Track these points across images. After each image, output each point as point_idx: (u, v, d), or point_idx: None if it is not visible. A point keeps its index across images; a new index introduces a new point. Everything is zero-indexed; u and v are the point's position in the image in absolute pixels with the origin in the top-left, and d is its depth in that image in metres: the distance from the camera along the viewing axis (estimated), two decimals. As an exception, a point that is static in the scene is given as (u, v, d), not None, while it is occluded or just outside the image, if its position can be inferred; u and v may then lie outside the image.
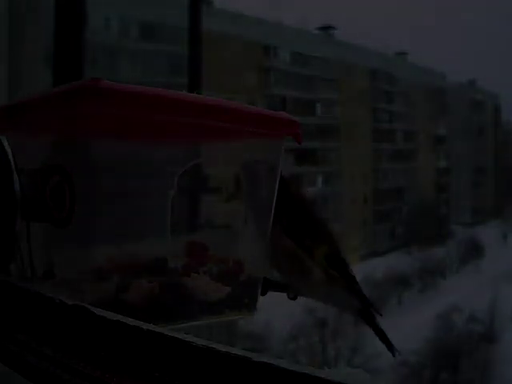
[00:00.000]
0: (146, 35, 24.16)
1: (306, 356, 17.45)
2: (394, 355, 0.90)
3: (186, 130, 0.72)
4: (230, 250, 0.78)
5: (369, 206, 37.87)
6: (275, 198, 0.78)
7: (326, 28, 37.68)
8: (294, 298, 0.93)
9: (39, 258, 0.76)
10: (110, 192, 0.67)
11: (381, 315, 0.91)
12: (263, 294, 0.81)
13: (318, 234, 0.90)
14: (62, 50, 2.29)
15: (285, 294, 0.92)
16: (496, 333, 21.33)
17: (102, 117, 0.64)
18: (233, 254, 0.78)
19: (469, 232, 37.12)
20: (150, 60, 24.03)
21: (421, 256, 30.58)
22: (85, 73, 2.38)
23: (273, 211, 0.78)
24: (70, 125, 0.69)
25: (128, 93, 0.63)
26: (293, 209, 0.87)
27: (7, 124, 0.78)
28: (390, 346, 0.89)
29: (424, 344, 18.55)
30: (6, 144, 0.78)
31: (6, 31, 2.21)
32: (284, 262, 0.89)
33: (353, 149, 35.76)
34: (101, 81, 0.61)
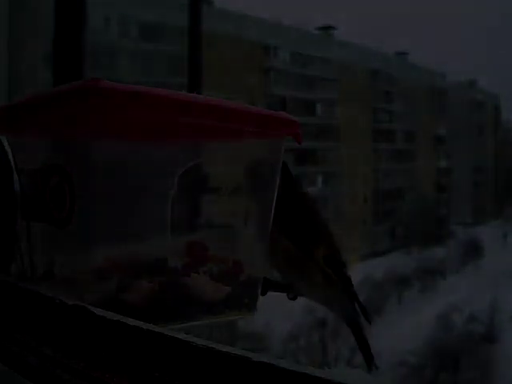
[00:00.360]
0: (146, 35, 24.17)
1: (305, 356, 17.45)
2: (370, 370, 0.88)
3: (186, 130, 0.72)
4: (230, 249, 0.78)
5: (369, 206, 37.87)
6: (275, 199, 0.78)
7: (326, 28, 37.68)
8: (294, 298, 0.94)
9: (39, 258, 0.76)
10: (110, 192, 0.67)
11: (370, 323, 0.90)
12: (263, 294, 0.81)
13: (316, 235, 0.91)
14: (62, 50, 2.29)
15: (285, 294, 0.93)
16: (496, 333, 21.33)
17: (101, 117, 0.64)
18: (233, 254, 0.78)
19: (469, 232, 37.13)
20: (150, 60, 24.03)
21: (421, 256, 30.59)
22: (85, 73, 2.38)
23: (273, 211, 0.78)
24: (69, 125, 0.69)
25: (128, 93, 0.63)
26: (292, 210, 0.87)
27: (7, 124, 0.78)
28: (369, 359, 0.88)
29: (424, 344, 18.56)
30: (6, 144, 0.78)
31: (6, 31, 2.21)
32: (283, 263, 0.89)
33: (353, 149, 35.77)
34: (101, 81, 0.61)
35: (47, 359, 0.60)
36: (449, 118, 44.59)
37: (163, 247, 0.74)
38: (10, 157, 0.77)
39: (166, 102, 0.65)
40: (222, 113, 0.69)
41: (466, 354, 18.80)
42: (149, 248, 0.72)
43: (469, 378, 18.53)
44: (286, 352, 16.80)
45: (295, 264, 0.88)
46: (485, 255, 33.23)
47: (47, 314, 0.62)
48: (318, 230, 0.93)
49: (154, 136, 0.73)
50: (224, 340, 0.51)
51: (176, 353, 0.48)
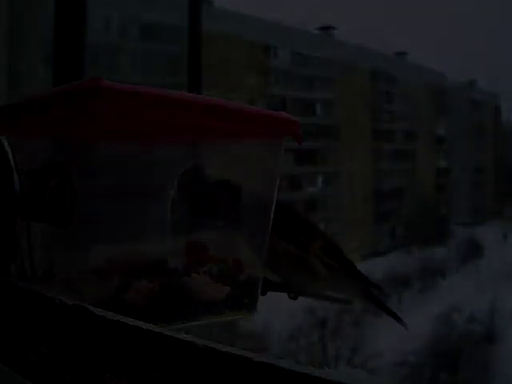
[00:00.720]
0: (146, 35, 24.16)
1: (306, 356, 17.44)
2: (406, 328, 0.97)
3: (186, 130, 0.72)
4: (230, 249, 0.78)
5: (369, 205, 37.86)
6: (275, 199, 0.78)
7: (326, 28, 37.70)
8: (295, 298, 0.94)
9: (39, 258, 0.76)
10: (110, 192, 0.67)
11: (384, 292, 0.97)
12: (263, 294, 0.81)
13: (310, 232, 0.95)
14: (62, 49, 2.29)
15: (285, 294, 0.93)
16: (496, 333, 21.33)
17: (102, 117, 0.64)
18: (233, 254, 0.78)
19: (469, 232, 37.14)
20: (150, 60, 24.02)
21: (421, 256, 30.59)
22: (85, 73, 2.38)
23: (273, 212, 0.78)
24: (69, 125, 0.69)
25: (128, 93, 0.63)
26: (282, 215, 0.88)
27: (7, 124, 0.78)
28: (399, 320, 0.95)
29: (424, 344, 18.56)
30: (5, 144, 0.78)
31: (6, 31, 2.21)
32: (285, 265, 0.91)
33: (353, 149, 35.76)
34: (101, 81, 0.61)
35: (47, 359, 0.60)
36: (449, 118, 44.60)
37: (163, 247, 0.74)
38: (10, 157, 0.77)
39: (166, 101, 0.65)
40: (221, 113, 0.69)
41: (465, 354, 18.80)
42: (149, 248, 0.72)
43: (469, 377, 18.53)
44: (285, 352, 16.79)
45: (297, 263, 0.90)
46: (485, 255, 33.25)
47: (47, 314, 0.62)
48: (311, 227, 0.97)
49: (153, 136, 0.73)
50: (224, 340, 0.51)
51: (176, 353, 0.48)
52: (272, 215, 0.78)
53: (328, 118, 35.41)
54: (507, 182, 47.62)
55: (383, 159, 39.29)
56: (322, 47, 34.95)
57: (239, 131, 0.74)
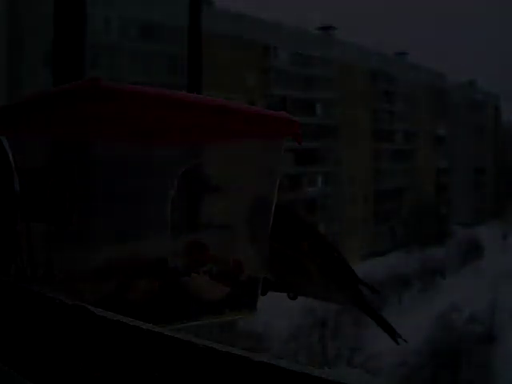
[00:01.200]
0: (146, 35, 24.17)
1: (306, 356, 17.44)
2: (396, 342, 0.89)
3: (186, 130, 0.72)
4: (230, 249, 0.78)
5: (369, 205, 37.86)
6: (275, 199, 0.78)
7: (326, 28, 37.69)
8: (294, 298, 0.94)
9: (39, 258, 0.76)
10: (110, 192, 0.67)
11: (378, 292, 0.92)
12: (263, 294, 0.81)
13: (299, 230, 0.93)
14: (62, 50, 2.29)
15: (285, 294, 0.93)
16: (496, 333, 21.33)
17: (101, 117, 0.64)
18: (233, 254, 0.78)
19: (469, 232, 37.14)
20: (150, 60, 24.03)
21: (421, 256, 30.58)
22: (85, 73, 2.37)
23: (273, 212, 0.78)
24: (70, 125, 0.69)
25: (128, 93, 0.63)
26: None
27: (7, 124, 0.78)
28: (391, 333, 0.89)
29: (424, 344, 18.55)
30: (6, 144, 0.78)
31: (5, 32, 2.21)
32: (278, 265, 0.90)
33: (353, 149, 35.75)
34: (101, 81, 0.61)
35: (47, 359, 0.60)
36: (449, 118, 44.60)
37: (163, 247, 0.74)
38: (10, 157, 0.77)
39: (165, 101, 0.65)
40: (222, 113, 0.69)
41: (465, 353, 18.79)
42: (149, 248, 0.72)
43: (469, 377, 18.52)
44: (285, 352, 16.79)
45: (286, 261, 0.89)
46: (485, 255, 33.25)
47: (47, 314, 0.62)
48: (300, 225, 0.95)
49: (153, 136, 0.73)
50: (224, 340, 0.51)
51: (176, 353, 0.48)
52: (272, 215, 0.78)
53: (328, 117, 35.40)
54: (507, 182, 47.63)
55: (383, 159, 39.29)
56: (322, 47, 34.95)
57: (239, 131, 0.74)
